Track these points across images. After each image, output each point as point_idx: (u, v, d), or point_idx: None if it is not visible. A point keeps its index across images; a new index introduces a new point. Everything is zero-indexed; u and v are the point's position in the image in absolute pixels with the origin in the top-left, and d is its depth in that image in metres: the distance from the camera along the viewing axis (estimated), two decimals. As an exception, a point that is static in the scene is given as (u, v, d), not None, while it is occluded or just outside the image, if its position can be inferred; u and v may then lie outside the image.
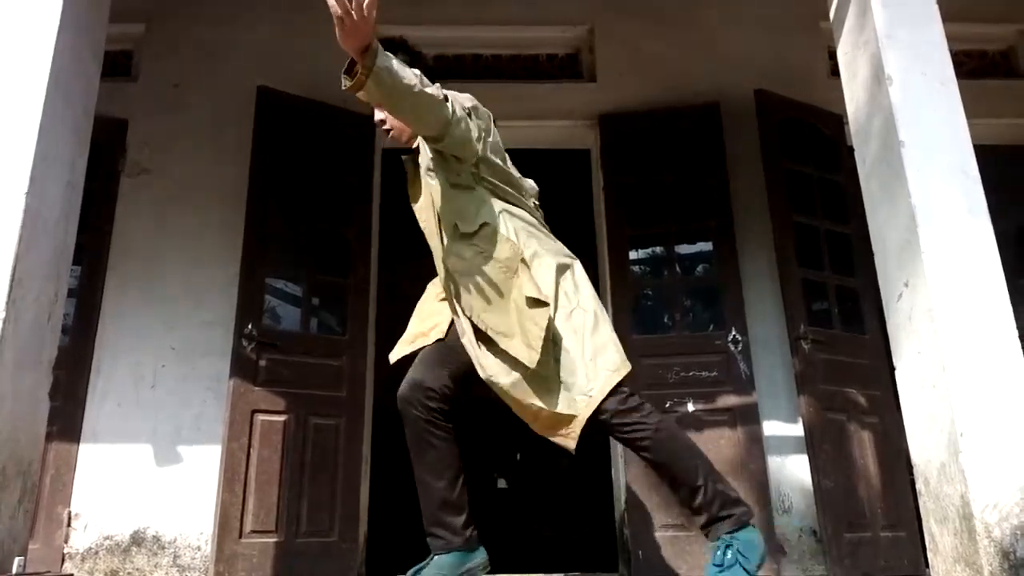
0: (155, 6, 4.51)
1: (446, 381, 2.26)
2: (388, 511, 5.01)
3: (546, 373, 2.17)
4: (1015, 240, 4.64)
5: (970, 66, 4.81)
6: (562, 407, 2.16)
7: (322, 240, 4.19)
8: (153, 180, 4.25)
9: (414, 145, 2.47)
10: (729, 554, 2.09)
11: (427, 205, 2.37)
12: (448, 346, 2.33)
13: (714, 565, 2.11)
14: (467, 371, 2.24)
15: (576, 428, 2.17)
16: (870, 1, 2.65)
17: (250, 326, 3.77)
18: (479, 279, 2.20)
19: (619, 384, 2.22)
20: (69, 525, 3.72)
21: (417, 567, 2.23)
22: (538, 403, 2.15)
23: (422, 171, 2.38)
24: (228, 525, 3.51)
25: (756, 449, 3.86)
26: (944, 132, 2.50)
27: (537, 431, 2.24)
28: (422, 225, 2.41)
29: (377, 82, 2.00)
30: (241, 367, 3.71)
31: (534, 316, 2.15)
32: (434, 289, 2.51)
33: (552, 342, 2.18)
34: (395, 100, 2.08)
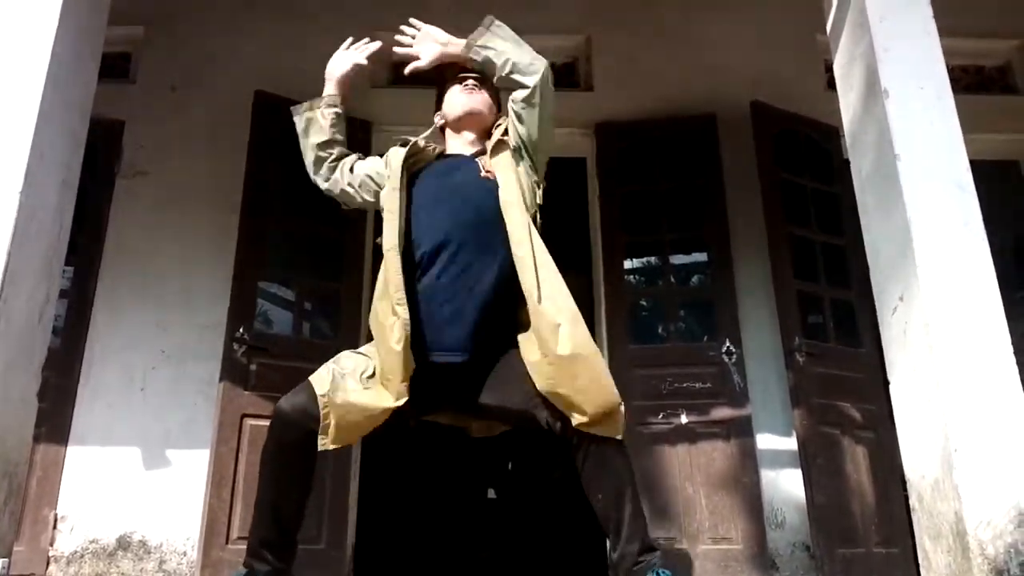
0: (155, 10, 4.51)
1: None
2: (376, 519, 4.98)
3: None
4: (1011, 254, 4.65)
5: (967, 81, 4.83)
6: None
7: (316, 244, 4.17)
8: (148, 182, 4.24)
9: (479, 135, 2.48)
10: None
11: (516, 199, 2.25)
12: None
13: None
14: None
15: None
16: (867, 15, 2.65)
17: (242, 330, 3.75)
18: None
19: None
20: (55, 528, 3.69)
21: None
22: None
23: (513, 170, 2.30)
24: (215, 530, 3.48)
25: (749, 462, 3.85)
26: (940, 146, 2.50)
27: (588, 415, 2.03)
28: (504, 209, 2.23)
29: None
30: (232, 371, 3.69)
31: None
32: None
33: None
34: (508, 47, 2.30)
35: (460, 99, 2.49)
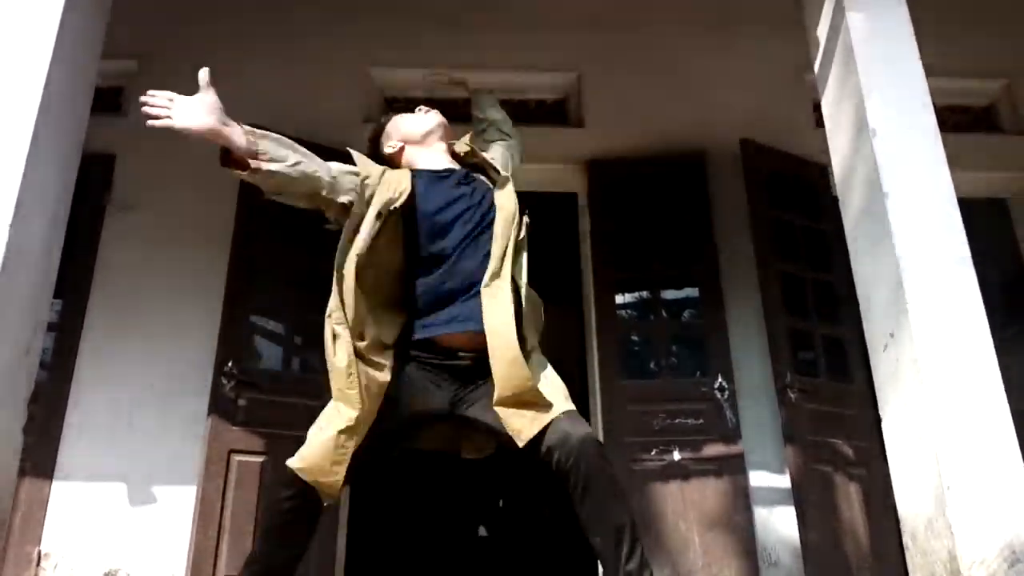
0: (148, 44, 4.53)
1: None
2: (366, 557, 4.91)
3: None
4: (999, 291, 4.67)
5: (954, 120, 4.89)
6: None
7: (307, 278, 4.15)
8: (139, 216, 4.23)
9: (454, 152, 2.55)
10: None
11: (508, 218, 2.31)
12: None
13: None
14: None
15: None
16: (854, 55, 2.69)
17: (230, 364, 3.72)
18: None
19: None
20: (39, 565, 3.61)
21: None
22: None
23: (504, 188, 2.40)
24: (201, 568, 3.42)
25: (742, 500, 3.82)
26: (928, 184, 2.52)
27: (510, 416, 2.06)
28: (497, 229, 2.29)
29: None
30: (220, 406, 3.66)
31: None
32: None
33: None
34: None
35: (422, 118, 2.61)
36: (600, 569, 3.89)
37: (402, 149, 2.58)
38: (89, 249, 4.10)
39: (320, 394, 3.86)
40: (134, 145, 4.34)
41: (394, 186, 2.27)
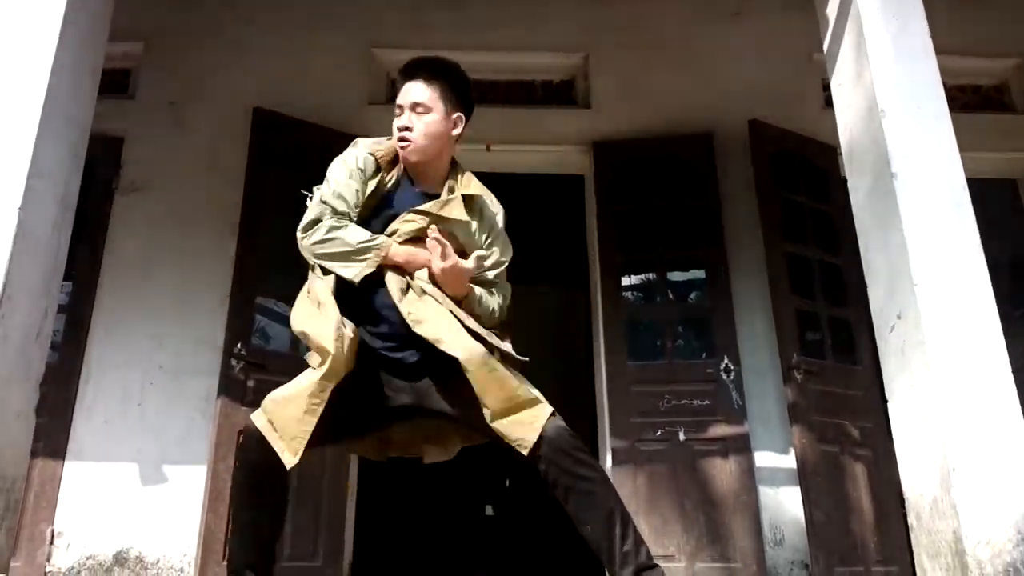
0: (155, 26, 4.53)
1: None
2: (373, 536, 4.96)
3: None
4: (1008, 272, 4.66)
5: (964, 100, 4.86)
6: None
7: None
8: (147, 198, 4.25)
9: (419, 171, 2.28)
10: None
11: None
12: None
13: None
14: None
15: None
16: (864, 35, 2.67)
17: (239, 346, 3.75)
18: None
19: None
20: (51, 543, 3.66)
21: None
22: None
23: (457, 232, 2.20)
24: (212, 547, 3.46)
25: (748, 480, 3.84)
26: (937, 165, 2.51)
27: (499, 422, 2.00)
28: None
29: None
30: (229, 387, 3.69)
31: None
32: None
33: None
34: None
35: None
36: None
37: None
38: (98, 232, 4.12)
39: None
40: (142, 127, 4.36)
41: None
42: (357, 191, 2.18)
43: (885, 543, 3.73)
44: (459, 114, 2.28)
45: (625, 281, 4.38)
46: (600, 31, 4.76)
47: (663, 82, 4.65)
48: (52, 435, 3.73)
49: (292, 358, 3.97)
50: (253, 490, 2.06)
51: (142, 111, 4.43)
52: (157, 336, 4.00)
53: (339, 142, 2.35)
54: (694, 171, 4.38)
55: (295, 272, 4.06)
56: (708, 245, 4.27)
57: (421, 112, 2.20)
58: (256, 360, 3.77)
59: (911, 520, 2.41)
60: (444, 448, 2.32)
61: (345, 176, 2.19)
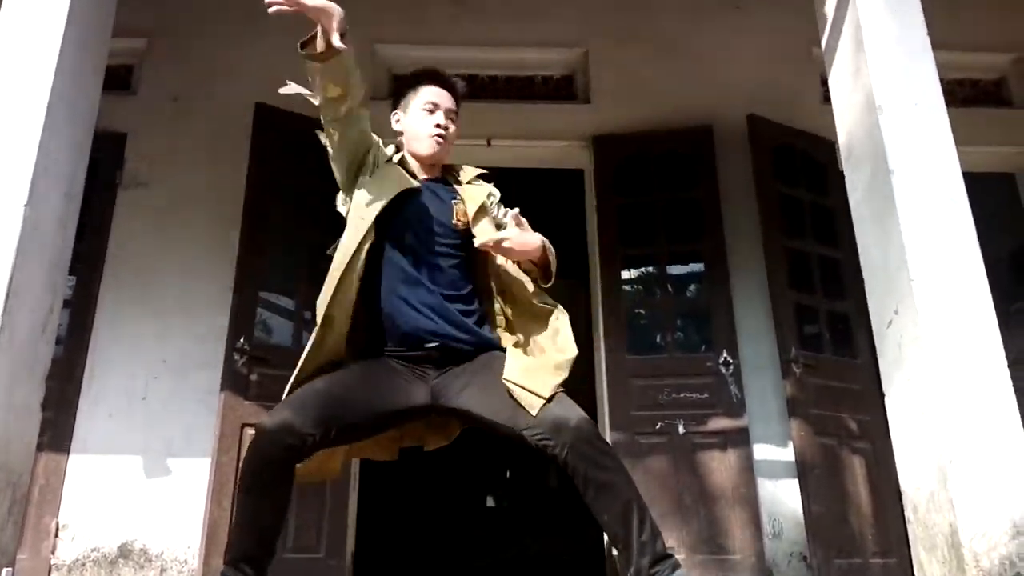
0: (157, 22, 4.54)
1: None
2: (375, 528, 4.99)
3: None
4: (1005, 266, 4.68)
5: (962, 95, 4.87)
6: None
7: (316, 254, 4.18)
8: (150, 193, 4.27)
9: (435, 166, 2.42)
10: None
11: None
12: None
13: None
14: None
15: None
16: (862, 30, 2.68)
17: (242, 340, 3.77)
18: None
19: None
20: (56, 536, 3.70)
21: None
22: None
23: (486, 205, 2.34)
24: (216, 539, 3.49)
25: (747, 473, 3.87)
26: (934, 161, 2.53)
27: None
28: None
29: None
30: (232, 381, 3.71)
31: None
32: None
33: None
34: None
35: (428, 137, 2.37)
36: (605, 543, 3.96)
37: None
38: (102, 227, 4.14)
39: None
40: (145, 123, 4.38)
41: None
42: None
43: (883, 536, 3.76)
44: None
45: (625, 275, 4.40)
46: (600, 26, 4.77)
47: (663, 77, 4.66)
48: (57, 429, 3.76)
49: (295, 352, 3.99)
50: (260, 485, 2.08)
51: (145, 107, 4.45)
52: (161, 330, 4.03)
53: (342, 139, 2.36)
54: (693, 165, 4.40)
55: (297, 267, 4.13)
56: (707, 239, 4.29)
57: (453, 118, 2.39)
58: (259, 354, 3.80)
59: (908, 513, 2.44)
60: (444, 434, 2.36)
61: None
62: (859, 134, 2.72)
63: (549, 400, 2.02)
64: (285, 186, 4.13)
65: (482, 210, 2.32)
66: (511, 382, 2.05)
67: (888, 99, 2.59)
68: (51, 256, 2.45)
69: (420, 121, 2.36)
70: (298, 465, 2.11)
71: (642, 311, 4.46)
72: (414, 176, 2.34)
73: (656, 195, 4.36)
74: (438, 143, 2.34)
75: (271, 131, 4.12)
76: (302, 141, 4.14)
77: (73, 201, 2.58)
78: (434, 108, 2.36)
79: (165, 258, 4.15)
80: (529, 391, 2.02)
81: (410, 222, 2.26)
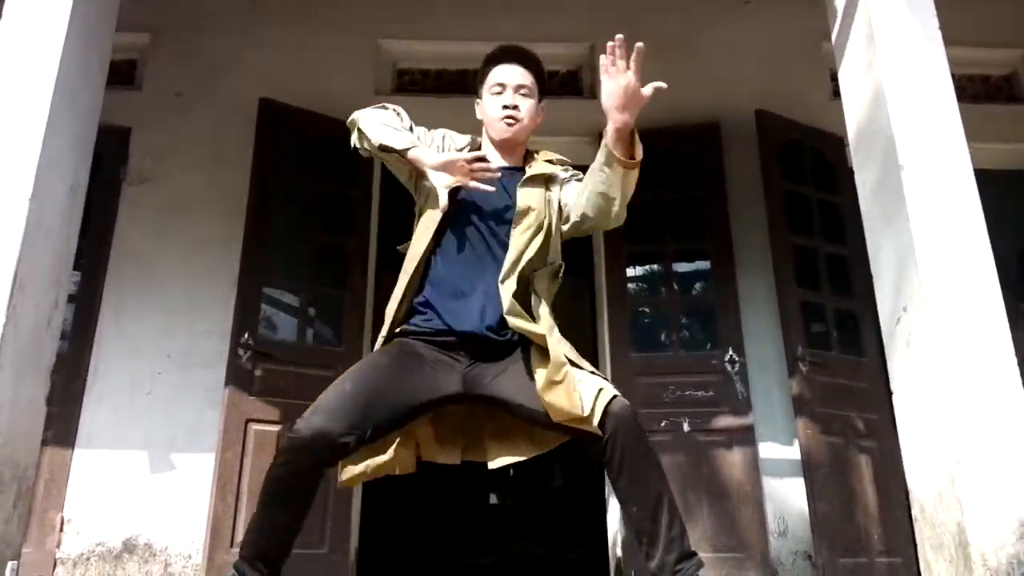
0: (161, 17, 4.54)
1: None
2: (379, 524, 4.99)
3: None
4: (1016, 264, 4.65)
5: (973, 91, 4.84)
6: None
7: (320, 251, 4.20)
8: (154, 188, 4.26)
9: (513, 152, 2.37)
10: None
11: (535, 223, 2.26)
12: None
13: None
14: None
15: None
16: (873, 26, 2.66)
17: (246, 336, 3.76)
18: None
19: None
20: (61, 530, 3.70)
21: None
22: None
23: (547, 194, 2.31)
24: (220, 534, 3.49)
25: (752, 471, 3.85)
26: (944, 157, 2.50)
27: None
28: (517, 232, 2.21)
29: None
30: (236, 376, 3.71)
31: None
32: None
33: None
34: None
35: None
36: (609, 542, 3.95)
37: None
38: (106, 222, 4.14)
39: (333, 364, 3.93)
40: (149, 118, 4.37)
41: None
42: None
43: (889, 535, 3.74)
44: (544, 103, 2.46)
45: (630, 272, 4.38)
46: (606, 21, 4.72)
47: (670, 72, 4.52)
48: (62, 423, 3.76)
49: (299, 347, 4.00)
50: (287, 492, 2.05)
51: (149, 102, 4.44)
52: (165, 326, 4.02)
53: (345, 132, 2.35)
54: (700, 162, 4.37)
55: (302, 262, 4.12)
56: (713, 236, 4.26)
57: (525, 94, 2.35)
58: (263, 349, 3.79)
59: (915, 512, 2.42)
60: (514, 446, 2.22)
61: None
62: (869, 129, 2.70)
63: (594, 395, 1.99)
64: (289, 181, 4.13)
65: (524, 212, 2.23)
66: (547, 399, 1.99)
67: (899, 94, 2.57)
68: (56, 251, 2.44)
69: (490, 105, 2.32)
70: (369, 461, 2.11)
71: (647, 309, 4.44)
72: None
73: (663, 191, 4.34)
74: (508, 125, 2.30)
75: (275, 126, 4.11)
76: (306, 136, 4.18)
77: (77, 196, 2.58)
78: (502, 89, 2.32)
79: (169, 253, 4.15)
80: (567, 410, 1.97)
81: (470, 216, 2.22)
